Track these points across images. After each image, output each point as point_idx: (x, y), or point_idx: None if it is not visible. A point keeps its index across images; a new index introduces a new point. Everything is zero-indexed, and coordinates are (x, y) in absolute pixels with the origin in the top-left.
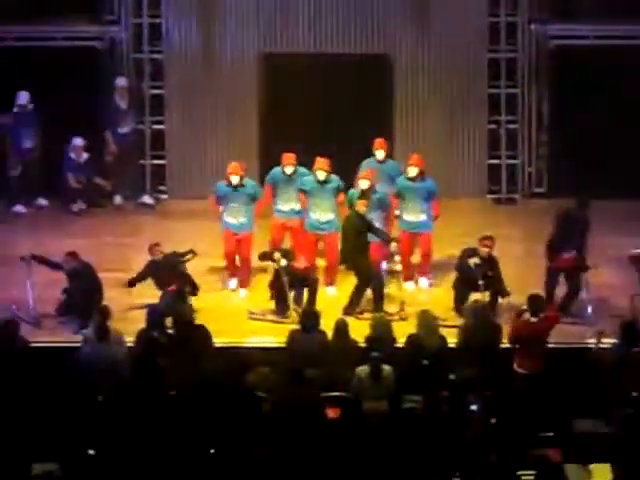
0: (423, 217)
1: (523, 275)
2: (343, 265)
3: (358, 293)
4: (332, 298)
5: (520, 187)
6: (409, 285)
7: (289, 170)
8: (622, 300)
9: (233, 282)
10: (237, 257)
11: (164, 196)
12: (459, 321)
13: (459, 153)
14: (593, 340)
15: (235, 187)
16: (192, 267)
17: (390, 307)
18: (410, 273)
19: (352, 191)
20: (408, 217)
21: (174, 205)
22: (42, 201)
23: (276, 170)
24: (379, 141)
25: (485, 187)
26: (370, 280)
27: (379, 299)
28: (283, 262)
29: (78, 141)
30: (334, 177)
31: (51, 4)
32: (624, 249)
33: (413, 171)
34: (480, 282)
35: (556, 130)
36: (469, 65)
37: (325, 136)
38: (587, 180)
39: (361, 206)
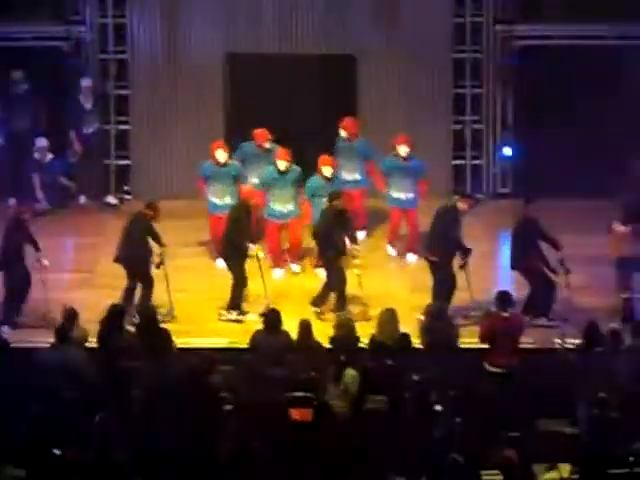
0: (411, 195)
1: (487, 274)
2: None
3: (326, 292)
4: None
5: (485, 187)
6: (391, 251)
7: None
8: (588, 299)
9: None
10: None
11: (128, 196)
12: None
13: (424, 153)
14: (558, 341)
15: (221, 165)
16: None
17: (354, 307)
18: (400, 247)
19: (312, 179)
20: (398, 195)
21: (138, 205)
22: (11, 200)
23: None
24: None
25: (450, 187)
26: (338, 283)
27: (341, 298)
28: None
29: (42, 142)
30: (295, 167)
31: (16, 4)
32: (590, 248)
33: (404, 150)
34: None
35: (521, 131)
36: (434, 65)
37: (290, 136)
38: (552, 180)
39: (339, 203)
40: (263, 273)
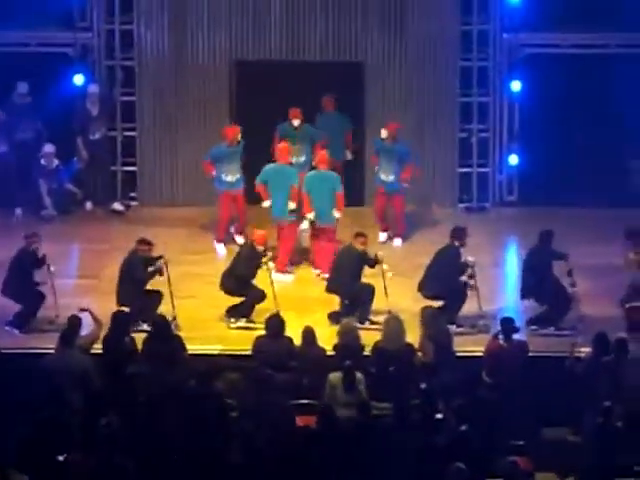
0: (391, 178)
1: (494, 283)
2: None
3: (345, 312)
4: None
5: (491, 196)
6: (382, 236)
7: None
8: (594, 309)
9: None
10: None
11: (135, 203)
12: None
13: (430, 161)
14: (567, 350)
15: (234, 146)
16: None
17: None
18: (385, 226)
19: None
20: (383, 176)
21: (145, 212)
22: (17, 210)
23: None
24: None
25: (456, 196)
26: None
27: (366, 310)
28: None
29: (49, 148)
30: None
31: (23, 10)
32: (596, 257)
33: (384, 133)
34: None
35: (527, 139)
36: (441, 73)
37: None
38: (557, 189)
39: (359, 244)
40: (272, 282)
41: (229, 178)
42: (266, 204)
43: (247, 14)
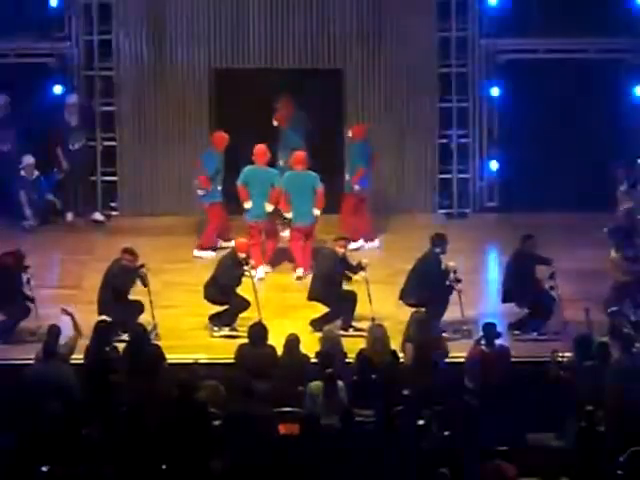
0: (347, 178)
1: (476, 289)
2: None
3: (328, 319)
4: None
5: (471, 201)
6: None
7: None
8: (576, 313)
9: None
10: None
11: (115, 213)
12: None
13: (410, 167)
14: (549, 355)
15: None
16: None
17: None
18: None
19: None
20: (346, 176)
21: (125, 221)
22: None
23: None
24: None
25: (436, 201)
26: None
27: (349, 317)
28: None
29: (29, 159)
30: None
31: (2, 21)
32: (577, 262)
33: (348, 133)
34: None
35: (506, 144)
36: (420, 79)
37: (277, 150)
38: (538, 194)
39: (339, 248)
40: (256, 291)
41: (220, 187)
42: (247, 205)
43: (225, 23)
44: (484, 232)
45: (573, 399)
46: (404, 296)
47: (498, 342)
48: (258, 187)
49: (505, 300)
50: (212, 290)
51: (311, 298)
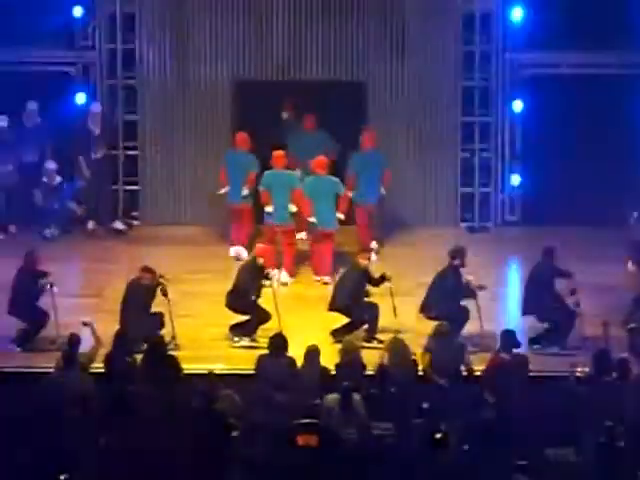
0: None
1: (496, 304)
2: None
3: (349, 330)
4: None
5: (493, 216)
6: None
7: None
8: (597, 329)
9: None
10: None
11: (136, 222)
12: None
13: (433, 181)
14: (567, 370)
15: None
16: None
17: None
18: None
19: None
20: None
21: (146, 231)
22: (11, 227)
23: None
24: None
25: (458, 215)
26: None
27: (372, 328)
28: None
29: (51, 164)
30: None
31: (25, 29)
32: (598, 277)
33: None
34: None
35: (529, 159)
36: (443, 93)
37: (298, 163)
38: (559, 208)
39: (363, 260)
40: (277, 301)
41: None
42: (269, 209)
43: (249, 34)
44: (505, 246)
45: (592, 414)
46: (424, 309)
47: (516, 351)
48: (279, 190)
49: (525, 312)
50: (233, 298)
51: (332, 309)
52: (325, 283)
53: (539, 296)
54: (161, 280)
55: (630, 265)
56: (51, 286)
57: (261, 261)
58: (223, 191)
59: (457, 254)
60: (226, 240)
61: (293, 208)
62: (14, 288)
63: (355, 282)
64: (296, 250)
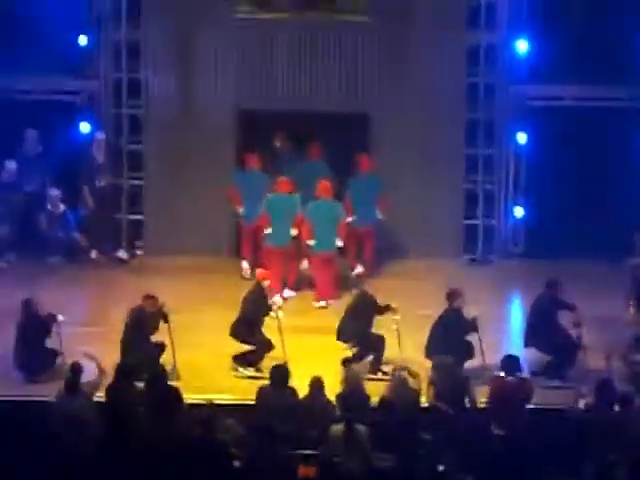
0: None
1: (497, 337)
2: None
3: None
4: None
5: (496, 248)
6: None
7: None
8: (599, 362)
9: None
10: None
11: (140, 252)
12: None
13: (436, 212)
14: (570, 402)
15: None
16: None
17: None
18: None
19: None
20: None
21: (150, 260)
22: (10, 255)
23: None
24: None
25: (461, 247)
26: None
27: (378, 360)
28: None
29: (54, 192)
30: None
31: (30, 57)
32: (599, 310)
33: None
34: None
35: (533, 191)
36: (447, 125)
37: (302, 194)
38: (563, 241)
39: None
40: (282, 332)
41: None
42: (267, 231)
43: (253, 63)
44: (508, 278)
45: (593, 446)
46: (429, 353)
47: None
48: (280, 213)
49: (527, 344)
50: (239, 326)
51: (340, 339)
52: (322, 307)
53: (541, 328)
54: (162, 307)
55: (632, 310)
56: (55, 319)
57: (266, 284)
58: (241, 210)
59: (452, 297)
60: (230, 270)
61: (294, 232)
62: (19, 340)
63: (364, 313)
64: (295, 270)
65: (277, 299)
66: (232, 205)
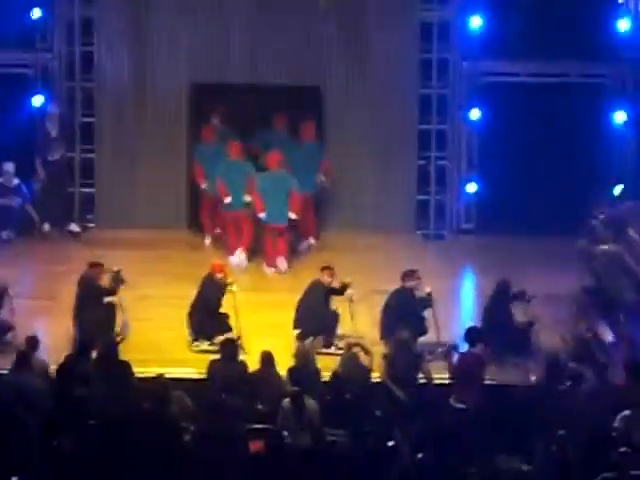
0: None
1: (452, 312)
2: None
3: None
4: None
5: (448, 223)
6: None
7: None
8: (551, 338)
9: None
10: None
11: (92, 224)
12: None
13: (389, 188)
14: (520, 378)
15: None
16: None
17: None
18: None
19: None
20: None
21: (101, 234)
22: None
23: None
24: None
25: (414, 223)
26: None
27: (331, 334)
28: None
29: (8, 166)
30: None
31: None
32: (551, 286)
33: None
34: None
35: (485, 167)
36: (400, 100)
37: (256, 166)
38: (515, 217)
39: (326, 277)
40: (237, 307)
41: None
42: (227, 200)
43: (206, 38)
44: (461, 254)
45: (543, 422)
46: (384, 335)
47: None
48: (234, 180)
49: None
50: (195, 314)
51: (297, 327)
52: (279, 272)
53: (497, 329)
54: (114, 269)
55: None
56: (7, 291)
57: (219, 276)
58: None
59: (409, 276)
60: (182, 243)
61: (248, 198)
62: None
63: (319, 301)
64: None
65: (233, 258)
66: (195, 180)
